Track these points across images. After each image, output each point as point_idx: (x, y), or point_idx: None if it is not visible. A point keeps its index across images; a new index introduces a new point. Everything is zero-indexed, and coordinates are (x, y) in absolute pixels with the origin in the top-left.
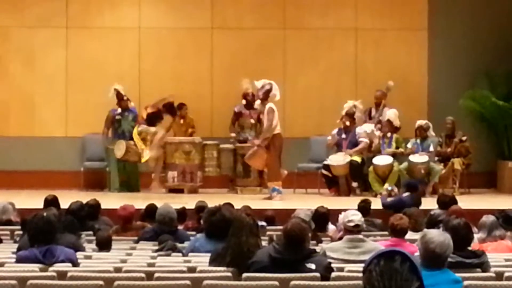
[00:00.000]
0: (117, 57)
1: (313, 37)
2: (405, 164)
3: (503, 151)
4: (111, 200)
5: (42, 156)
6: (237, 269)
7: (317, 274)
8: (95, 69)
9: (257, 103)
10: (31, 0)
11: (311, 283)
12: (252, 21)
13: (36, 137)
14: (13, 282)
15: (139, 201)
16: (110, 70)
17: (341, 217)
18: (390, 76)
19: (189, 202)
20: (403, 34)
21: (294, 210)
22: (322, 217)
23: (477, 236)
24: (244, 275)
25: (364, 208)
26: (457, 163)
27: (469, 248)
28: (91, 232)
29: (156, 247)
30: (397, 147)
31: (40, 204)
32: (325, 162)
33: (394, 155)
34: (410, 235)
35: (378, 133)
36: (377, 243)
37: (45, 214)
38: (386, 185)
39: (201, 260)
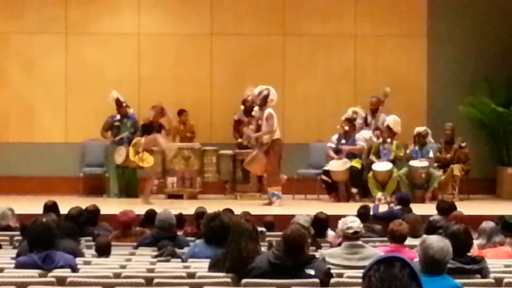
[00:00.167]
0: (117, 63)
1: (313, 43)
2: (404, 170)
3: (503, 157)
4: (110, 206)
5: (41, 162)
6: (236, 274)
7: (317, 280)
8: (95, 75)
9: (256, 109)
10: (31, 5)
11: None
12: (251, 27)
13: (36, 143)
14: (13, 287)
15: (138, 207)
16: (110, 76)
17: (340, 223)
18: (390, 82)
19: (188, 208)
20: (403, 40)
21: (293, 216)
22: (322, 223)
23: (476, 242)
24: (244, 280)
25: (363, 214)
26: (456, 169)
27: (469, 254)
28: (90, 238)
29: (156, 253)
30: (395, 153)
31: (39, 210)
32: (325, 168)
33: (393, 160)
34: (408, 241)
35: (376, 139)
36: (377, 249)
37: (44, 219)
38: (379, 194)
39: (201, 266)
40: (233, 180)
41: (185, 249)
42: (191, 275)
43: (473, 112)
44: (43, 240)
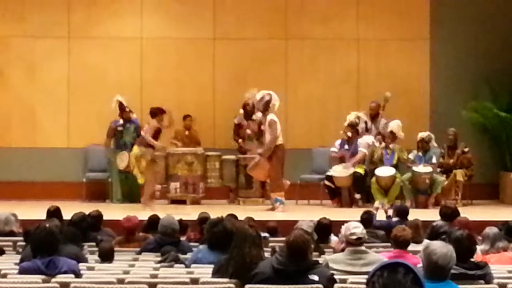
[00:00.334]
0: (119, 67)
1: (315, 47)
2: (408, 175)
3: (506, 163)
4: (113, 211)
5: (44, 167)
6: (239, 280)
7: (320, 286)
8: (97, 79)
9: (258, 115)
10: (33, 9)
11: None
12: (253, 31)
13: (38, 148)
14: None
15: (141, 212)
16: (112, 80)
17: (343, 229)
18: (392, 86)
19: (191, 213)
20: (405, 44)
21: (296, 221)
22: (325, 229)
23: (480, 247)
24: (247, 286)
25: (366, 219)
26: (459, 174)
27: (472, 259)
28: (93, 243)
29: (159, 258)
30: (399, 158)
31: (42, 215)
32: (328, 173)
33: (396, 166)
34: (411, 246)
35: (378, 144)
36: (380, 255)
37: (47, 225)
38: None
39: (204, 271)
40: (236, 186)
41: (189, 255)
42: (195, 281)
43: (476, 117)
44: (46, 246)
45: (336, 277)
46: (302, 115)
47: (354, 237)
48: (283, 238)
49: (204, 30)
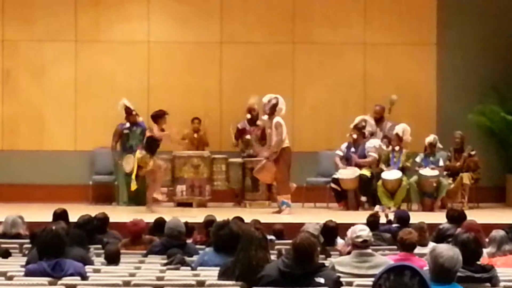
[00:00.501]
0: (126, 71)
1: (322, 51)
2: (414, 178)
3: None
4: (119, 214)
5: (51, 169)
6: (246, 283)
7: None
8: (104, 83)
9: (264, 118)
10: (41, 13)
11: None
12: (261, 35)
13: (45, 151)
14: None
15: (147, 215)
16: (119, 84)
17: (349, 232)
18: (399, 91)
19: (197, 216)
20: (412, 48)
21: (302, 224)
22: (331, 231)
23: (486, 250)
24: None
25: (373, 222)
26: (466, 177)
27: (479, 262)
28: (99, 246)
29: (165, 261)
30: (405, 161)
31: (49, 218)
32: (335, 176)
33: (403, 169)
34: (416, 249)
35: (384, 147)
36: (386, 258)
37: (54, 227)
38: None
39: (210, 274)
40: (242, 188)
41: (195, 257)
42: (201, 283)
43: (483, 121)
44: (52, 248)
45: (342, 279)
46: (309, 119)
47: (360, 239)
48: (289, 241)
49: (211, 34)
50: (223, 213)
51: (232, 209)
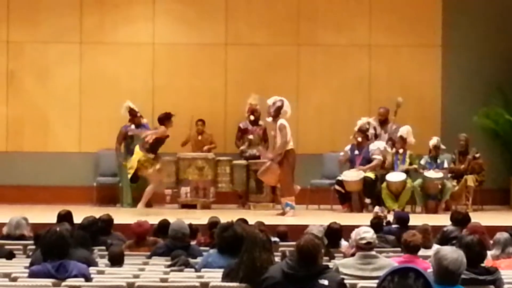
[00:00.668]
0: (131, 72)
1: (327, 53)
2: (419, 181)
3: None
4: (123, 215)
5: (55, 171)
6: (250, 284)
7: None
8: (109, 85)
9: (268, 119)
10: (45, 15)
11: None
12: (265, 37)
13: (50, 153)
14: None
15: (151, 217)
16: (124, 85)
17: (353, 234)
18: (404, 93)
19: (201, 217)
20: (417, 50)
21: (306, 226)
22: (335, 233)
23: (490, 253)
24: None
25: (377, 224)
26: (470, 179)
27: (483, 264)
28: (103, 247)
29: (169, 263)
30: (410, 163)
31: (53, 219)
32: (339, 178)
33: (407, 171)
34: (420, 251)
35: (389, 149)
36: (390, 260)
37: (58, 229)
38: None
39: (214, 276)
40: (246, 190)
41: (199, 259)
42: (205, 285)
43: (487, 123)
44: (56, 249)
45: (346, 281)
46: (313, 121)
47: (364, 241)
48: (293, 243)
49: (216, 35)
50: (227, 215)
51: (236, 211)
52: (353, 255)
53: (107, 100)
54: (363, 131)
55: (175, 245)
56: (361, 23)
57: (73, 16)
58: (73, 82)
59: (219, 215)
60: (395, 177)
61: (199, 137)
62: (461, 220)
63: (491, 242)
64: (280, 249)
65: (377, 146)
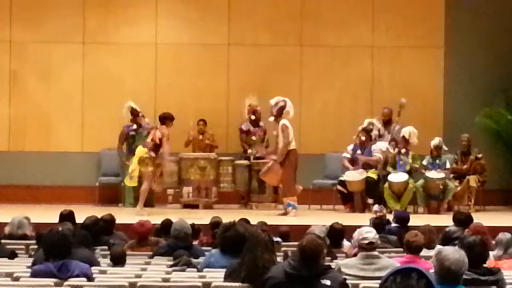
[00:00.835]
0: (134, 72)
1: (330, 54)
2: (421, 181)
3: None
4: (126, 215)
5: (57, 171)
6: (252, 284)
7: None
8: (112, 85)
9: (270, 119)
10: (48, 15)
11: None
12: (268, 37)
13: (52, 152)
14: None
15: (153, 216)
16: (127, 85)
17: (355, 234)
18: (406, 94)
19: (204, 217)
20: (420, 51)
21: (309, 226)
22: (337, 233)
23: (493, 253)
24: None
25: (379, 224)
26: (472, 180)
27: (485, 265)
28: (105, 247)
29: (171, 262)
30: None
31: (55, 219)
32: (341, 178)
33: (409, 171)
34: (423, 252)
35: (392, 150)
36: (392, 260)
37: (60, 228)
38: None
39: (216, 276)
40: (248, 190)
41: (201, 259)
42: (207, 285)
43: (490, 124)
44: (59, 249)
45: (348, 282)
46: (316, 122)
47: (366, 241)
48: (296, 243)
49: (219, 36)
50: (229, 215)
51: (238, 211)
52: (355, 255)
53: (109, 100)
54: (366, 131)
55: (177, 245)
56: (364, 24)
57: (76, 16)
58: (76, 82)
59: (221, 215)
60: (397, 177)
61: (201, 137)
62: (463, 220)
63: (493, 242)
64: (282, 249)
65: (379, 147)
